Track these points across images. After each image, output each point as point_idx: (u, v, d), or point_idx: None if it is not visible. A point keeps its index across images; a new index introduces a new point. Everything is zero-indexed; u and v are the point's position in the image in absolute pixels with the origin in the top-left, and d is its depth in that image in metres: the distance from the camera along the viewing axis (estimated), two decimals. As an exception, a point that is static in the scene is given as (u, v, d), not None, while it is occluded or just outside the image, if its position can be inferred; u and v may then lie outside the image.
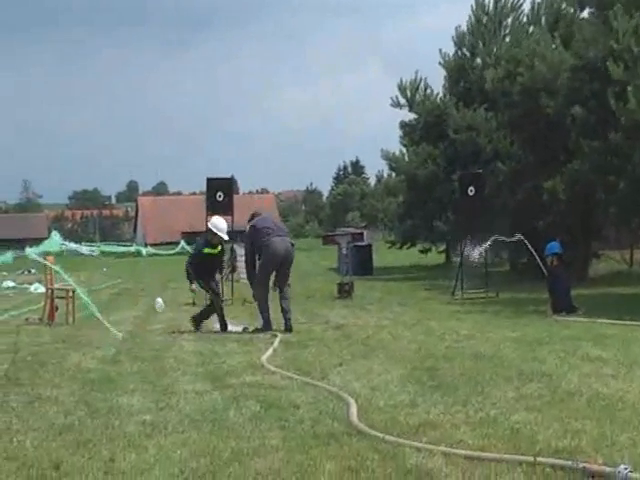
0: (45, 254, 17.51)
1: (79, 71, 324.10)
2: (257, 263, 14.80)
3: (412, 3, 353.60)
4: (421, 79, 37.97)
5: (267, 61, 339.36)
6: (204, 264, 14.96)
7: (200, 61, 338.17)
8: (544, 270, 17.38)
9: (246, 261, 15.21)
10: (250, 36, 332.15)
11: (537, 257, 17.87)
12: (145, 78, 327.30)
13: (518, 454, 6.10)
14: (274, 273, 14.91)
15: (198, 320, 15.04)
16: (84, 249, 21.18)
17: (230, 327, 15.12)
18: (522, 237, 18.93)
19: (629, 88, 18.67)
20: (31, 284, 27.07)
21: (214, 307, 15.08)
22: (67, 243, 19.76)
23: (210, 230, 15.08)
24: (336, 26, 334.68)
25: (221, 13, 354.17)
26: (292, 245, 15.08)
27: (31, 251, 17.10)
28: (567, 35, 25.81)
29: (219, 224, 15.13)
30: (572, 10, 27.72)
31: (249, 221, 15.09)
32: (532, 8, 32.09)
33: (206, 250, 14.98)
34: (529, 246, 18.49)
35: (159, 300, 20.05)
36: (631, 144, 20.04)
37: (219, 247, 15.25)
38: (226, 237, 15.20)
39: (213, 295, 15.01)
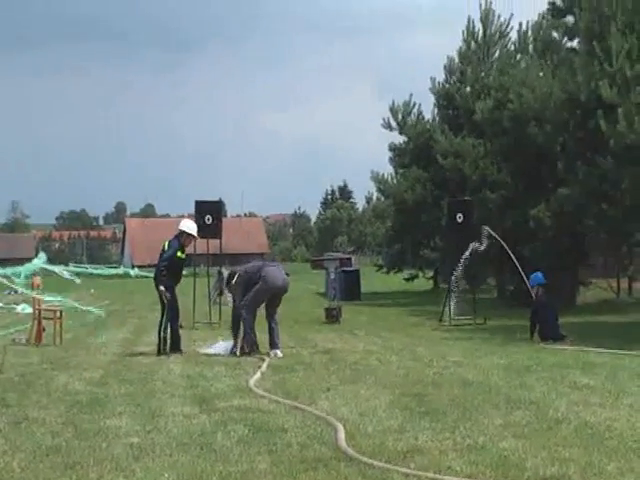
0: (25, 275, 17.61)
1: (69, 92, 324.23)
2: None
3: (404, 26, 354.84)
4: (414, 104, 38.30)
5: (255, 84, 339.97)
6: (175, 269, 14.93)
7: (189, 84, 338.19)
8: (532, 294, 17.48)
9: (233, 294, 15.19)
10: (239, 58, 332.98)
11: (521, 271, 18.08)
12: (135, 100, 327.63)
13: (506, 481, 6.12)
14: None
15: (176, 346, 14.92)
16: (65, 274, 20.91)
17: (217, 349, 15.10)
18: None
19: (620, 110, 18.83)
20: (18, 304, 26.93)
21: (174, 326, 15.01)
22: (48, 266, 19.53)
23: (183, 232, 15.10)
24: (326, 49, 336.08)
25: (210, 36, 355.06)
26: (287, 275, 15.21)
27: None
28: (555, 65, 25.98)
29: (191, 225, 15.37)
30: (560, 38, 27.90)
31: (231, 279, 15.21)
32: (519, 36, 32.34)
33: (178, 254, 14.97)
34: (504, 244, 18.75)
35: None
36: (621, 170, 20.15)
37: (185, 253, 15.29)
38: (197, 237, 15.62)
39: (171, 308, 14.92)
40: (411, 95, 38.33)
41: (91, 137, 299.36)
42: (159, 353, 14.67)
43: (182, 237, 15.08)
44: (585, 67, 21.57)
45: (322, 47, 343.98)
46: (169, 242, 15.04)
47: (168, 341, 14.86)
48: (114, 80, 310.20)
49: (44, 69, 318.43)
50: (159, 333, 14.89)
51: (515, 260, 17.96)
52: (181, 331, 15.55)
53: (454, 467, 6.59)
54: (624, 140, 19.06)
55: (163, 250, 14.94)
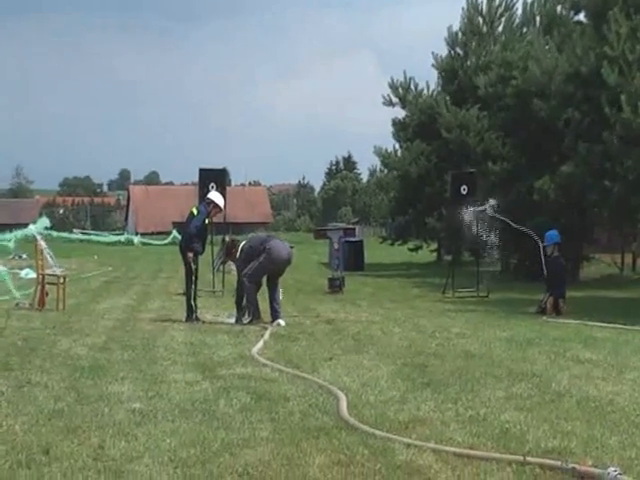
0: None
1: (75, 58, 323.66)
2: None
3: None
4: (411, 79, 38.22)
5: (259, 54, 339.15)
6: (203, 234, 15.15)
7: (193, 53, 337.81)
8: (544, 269, 17.47)
9: (238, 267, 15.20)
10: (241, 29, 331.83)
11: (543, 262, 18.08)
12: (140, 68, 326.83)
13: (508, 453, 6.12)
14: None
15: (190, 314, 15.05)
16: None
17: (222, 318, 15.19)
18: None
19: (622, 97, 18.62)
20: (22, 269, 26.93)
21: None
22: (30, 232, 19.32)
23: (212, 202, 15.28)
24: (328, 18, 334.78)
25: (212, 6, 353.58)
26: (292, 247, 15.34)
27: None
28: (561, 39, 25.80)
29: (220, 198, 15.57)
30: (566, 13, 27.66)
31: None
32: (524, 9, 32.11)
33: (206, 220, 15.16)
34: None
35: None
36: (625, 149, 20.03)
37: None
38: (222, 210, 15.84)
39: (191, 275, 15.03)
40: (404, 71, 38.57)
41: (96, 104, 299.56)
42: (188, 320, 14.85)
43: (209, 206, 15.25)
44: (587, 48, 21.40)
45: (323, 18, 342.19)
46: (197, 208, 15.24)
47: (197, 308, 15.11)
48: (119, 47, 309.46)
49: (48, 34, 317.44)
50: (188, 300, 15.06)
51: (545, 270, 17.86)
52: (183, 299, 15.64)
53: (455, 438, 6.59)
54: (629, 126, 18.88)
55: (192, 215, 15.05)
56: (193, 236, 14.90)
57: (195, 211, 15.07)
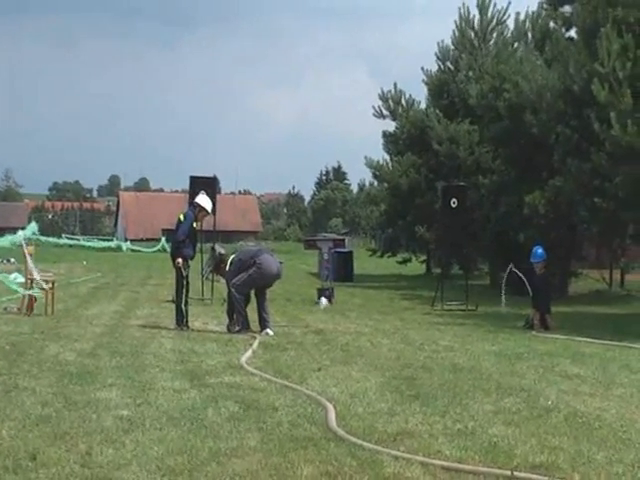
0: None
1: (66, 62, 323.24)
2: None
3: (399, 11, 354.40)
4: (401, 91, 38.24)
5: (250, 62, 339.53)
6: (192, 238, 15.15)
7: (185, 60, 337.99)
8: (529, 291, 17.55)
9: (227, 279, 15.19)
10: (233, 36, 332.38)
11: (525, 281, 18.13)
12: (132, 74, 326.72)
13: (495, 467, 6.12)
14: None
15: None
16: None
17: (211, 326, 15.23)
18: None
19: (612, 114, 18.66)
20: (10, 273, 26.88)
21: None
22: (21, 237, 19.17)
23: (198, 205, 15.34)
24: (322, 28, 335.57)
25: (208, 13, 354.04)
26: (281, 263, 15.38)
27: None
28: (553, 55, 25.87)
29: (207, 201, 15.58)
30: (558, 28, 27.70)
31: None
32: (516, 24, 32.19)
33: (194, 224, 15.17)
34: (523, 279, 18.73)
35: (323, 300, 21.26)
36: (614, 166, 20.07)
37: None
38: (210, 214, 15.92)
39: (181, 282, 15.01)
40: (395, 84, 38.46)
41: (87, 109, 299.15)
42: (178, 325, 14.86)
43: (196, 210, 15.31)
44: (579, 65, 21.45)
45: (317, 29, 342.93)
46: (184, 214, 15.26)
47: (187, 315, 15.10)
48: (111, 52, 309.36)
49: (39, 38, 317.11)
50: (178, 306, 15.05)
51: (529, 287, 17.87)
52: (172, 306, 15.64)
53: (444, 451, 6.60)
54: (618, 144, 18.92)
55: (179, 222, 15.06)
56: (182, 242, 14.90)
57: (182, 217, 15.09)
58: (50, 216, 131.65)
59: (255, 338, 13.48)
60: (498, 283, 26.73)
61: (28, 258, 17.25)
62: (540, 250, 17.40)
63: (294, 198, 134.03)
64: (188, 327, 14.85)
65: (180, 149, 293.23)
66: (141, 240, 72.03)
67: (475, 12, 35.54)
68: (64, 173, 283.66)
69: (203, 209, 15.38)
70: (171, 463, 6.08)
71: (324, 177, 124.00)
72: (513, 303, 20.62)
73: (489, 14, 35.44)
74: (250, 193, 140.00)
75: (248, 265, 14.66)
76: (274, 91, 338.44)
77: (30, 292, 16.64)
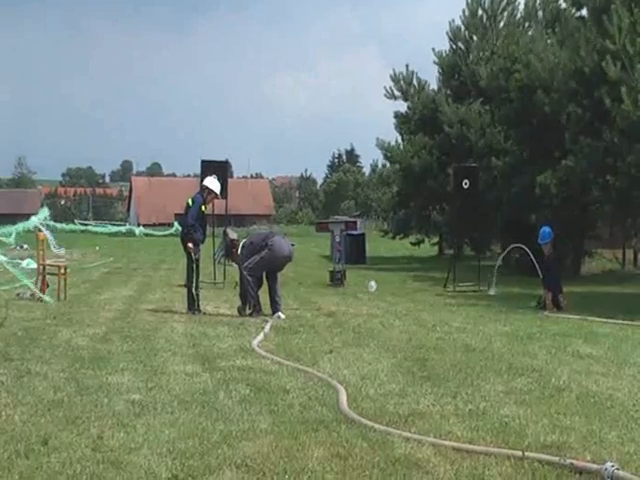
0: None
1: (79, 49, 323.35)
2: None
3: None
4: (413, 72, 38.10)
5: (264, 47, 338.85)
6: (201, 222, 15.13)
7: (198, 44, 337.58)
8: (539, 272, 17.50)
9: (239, 263, 15.21)
10: (248, 22, 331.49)
11: (535, 262, 18.08)
12: (145, 59, 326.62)
13: (507, 448, 6.11)
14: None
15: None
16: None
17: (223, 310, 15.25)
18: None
19: (623, 89, 18.59)
20: (23, 259, 26.93)
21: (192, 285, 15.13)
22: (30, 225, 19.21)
23: (207, 188, 15.29)
24: (334, 12, 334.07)
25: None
26: (293, 245, 15.38)
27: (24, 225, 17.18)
28: (563, 36, 25.72)
29: (215, 183, 15.47)
30: (568, 8, 27.53)
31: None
32: (527, 3, 32.01)
33: (202, 207, 15.12)
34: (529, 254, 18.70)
35: (372, 284, 21.13)
36: (626, 144, 19.98)
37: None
38: (219, 196, 15.78)
39: (191, 267, 15.05)
40: (407, 65, 38.34)
41: (99, 94, 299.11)
42: (190, 310, 14.89)
43: (205, 193, 15.28)
44: (589, 42, 21.34)
45: (331, 11, 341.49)
46: (193, 198, 15.20)
47: (199, 298, 15.12)
48: (124, 38, 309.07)
49: (52, 23, 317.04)
50: (189, 291, 15.10)
51: (539, 270, 17.79)
52: (184, 291, 15.67)
53: (455, 432, 6.59)
54: (629, 118, 18.85)
55: (188, 206, 15.05)
56: (191, 226, 14.91)
57: (190, 202, 15.07)
58: (63, 202, 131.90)
59: (267, 321, 13.49)
60: (510, 264, 26.76)
61: (48, 237, 17.23)
62: (547, 230, 17.28)
63: (306, 181, 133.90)
64: (200, 311, 14.88)
65: (193, 134, 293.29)
66: (154, 225, 72.18)
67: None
68: (77, 159, 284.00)
69: (212, 191, 15.34)
70: (182, 446, 6.09)
71: (336, 160, 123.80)
72: (527, 283, 20.57)
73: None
74: (262, 177, 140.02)
75: (260, 247, 14.69)
76: (286, 74, 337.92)
77: (30, 283, 16.71)
